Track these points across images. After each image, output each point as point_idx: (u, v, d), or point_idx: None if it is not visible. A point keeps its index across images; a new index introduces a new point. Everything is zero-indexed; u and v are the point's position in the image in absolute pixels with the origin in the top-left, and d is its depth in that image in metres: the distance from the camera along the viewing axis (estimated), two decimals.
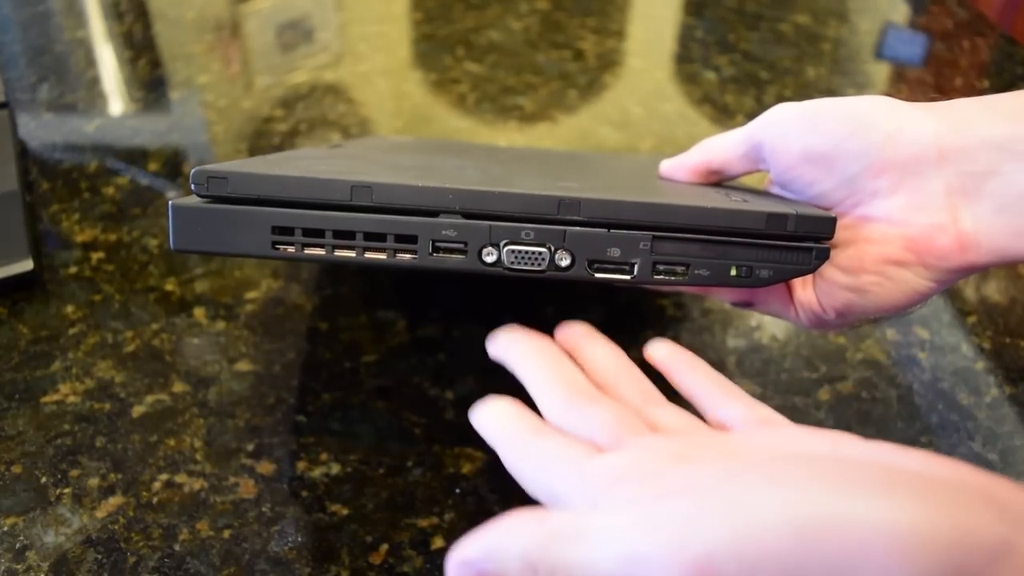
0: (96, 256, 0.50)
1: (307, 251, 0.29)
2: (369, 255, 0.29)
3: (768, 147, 0.33)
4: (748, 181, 0.39)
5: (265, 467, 0.38)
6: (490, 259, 0.29)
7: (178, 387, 0.42)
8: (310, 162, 0.33)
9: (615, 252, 0.30)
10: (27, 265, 0.46)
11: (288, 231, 0.29)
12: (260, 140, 0.61)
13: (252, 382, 0.42)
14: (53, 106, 0.64)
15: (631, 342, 0.46)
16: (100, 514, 0.36)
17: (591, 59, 0.75)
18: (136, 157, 0.58)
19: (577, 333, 0.31)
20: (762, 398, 0.42)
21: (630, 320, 0.47)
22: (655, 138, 0.65)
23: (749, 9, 0.86)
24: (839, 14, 0.86)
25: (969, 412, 0.43)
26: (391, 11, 0.83)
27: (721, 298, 0.39)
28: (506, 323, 0.46)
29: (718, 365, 0.44)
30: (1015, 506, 0.18)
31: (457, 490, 0.38)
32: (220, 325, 0.45)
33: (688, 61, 0.76)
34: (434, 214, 0.29)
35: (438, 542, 0.35)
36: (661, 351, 0.31)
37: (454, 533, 0.36)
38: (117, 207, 0.54)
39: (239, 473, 0.38)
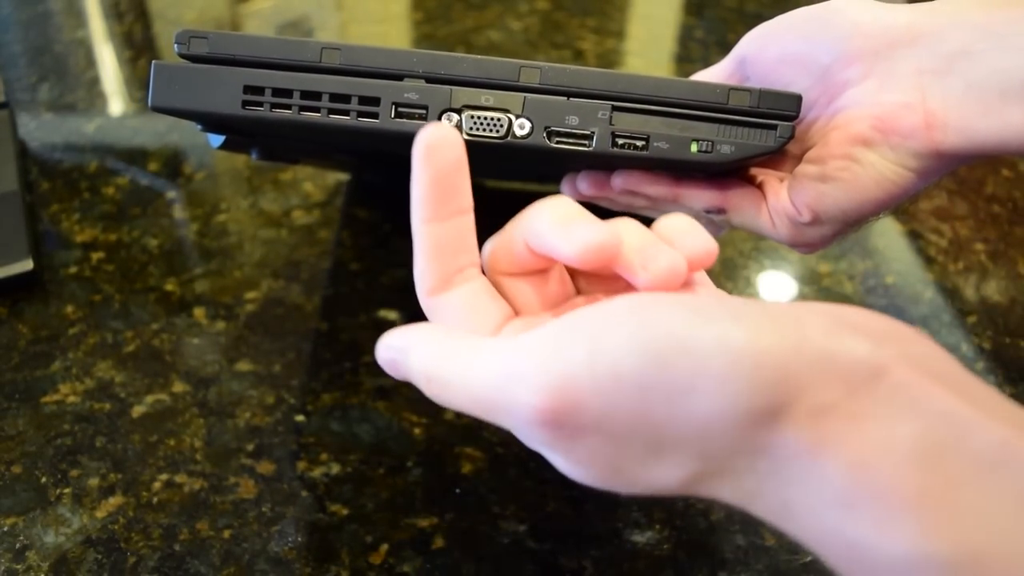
0: (96, 256, 0.50)
1: (275, 111, 0.30)
2: (333, 117, 0.30)
3: (749, 60, 0.33)
4: None
5: (265, 467, 0.38)
6: (450, 124, 0.30)
7: (178, 387, 0.42)
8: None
9: (573, 120, 0.30)
10: (27, 265, 0.46)
11: (258, 91, 0.30)
12: None
13: (252, 382, 0.42)
14: (53, 106, 0.64)
15: None
16: (100, 514, 0.36)
17: (591, 59, 0.75)
18: (136, 157, 0.58)
19: None
20: None
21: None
22: None
23: (749, 9, 0.86)
24: None
25: None
26: (391, 11, 0.83)
27: (692, 204, 0.36)
28: None
29: None
30: (893, 335, 0.19)
31: (457, 490, 0.38)
32: (220, 325, 0.45)
33: (688, 61, 0.76)
34: (399, 78, 0.30)
35: (438, 542, 0.35)
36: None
37: (454, 533, 0.36)
38: (117, 207, 0.54)
39: (239, 473, 0.38)
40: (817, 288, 0.50)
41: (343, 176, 0.56)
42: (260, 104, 0.30)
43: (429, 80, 0.30)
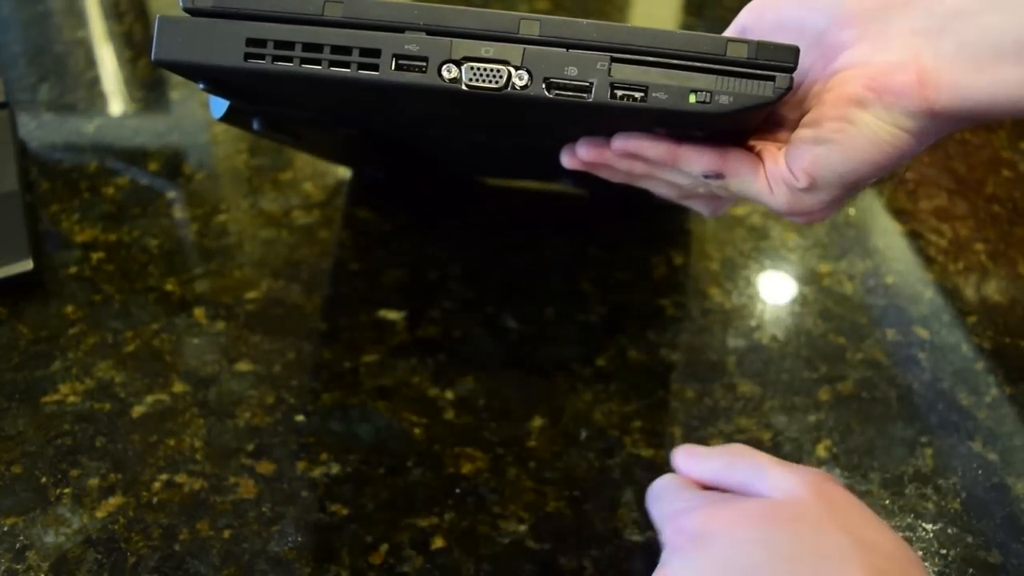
0: (96, 256, 0.50)
1: (277, 64, 0.30)
2: (334, 69, 0.30)
3: (748, 29, 0.34)
4: None
5: (265, 467, 0.38)
6: (449, 75, 0.30)
7: (178, 387, 0.42)
8: None
9: (572, 71, 0.30)
10: (27, 265, 0.46)
11: (261, 43, 0.30)
12: (260, 140, 0.61)
13: (252, 382, 0.42)
14: (53, 106, 0.64)
15: (631, 342, 0.46)
16: (100, 514, 0.36)
17: None
18: (136, 157, 0.58)
19: None
20: (762, 398, 0.43)
21: (630, 320, 0.47)
22: None
23: None
24: None
25: (969, 412, 0.42)
26: None
27: (691, 168, 0.36)
28: (506, 323, 0.46)
29: (718, 365, 0.44)
30: None
31: (457, 490, 0.38)
32: (220, 325, 0.45)
33: None
34: (400, 31, 0.30)
35: (438, 542, 0.35)
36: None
37: (454, 533, 0.36)
38: (117, 207, 0.54)
39: (239, 473, 0.38)
40: (817, 288, 0.50)
41: (343, 176, 0.56)
42: (262, 56, 0.30)
43: (429, 32, 0.30)
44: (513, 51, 0.30)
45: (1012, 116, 0.29)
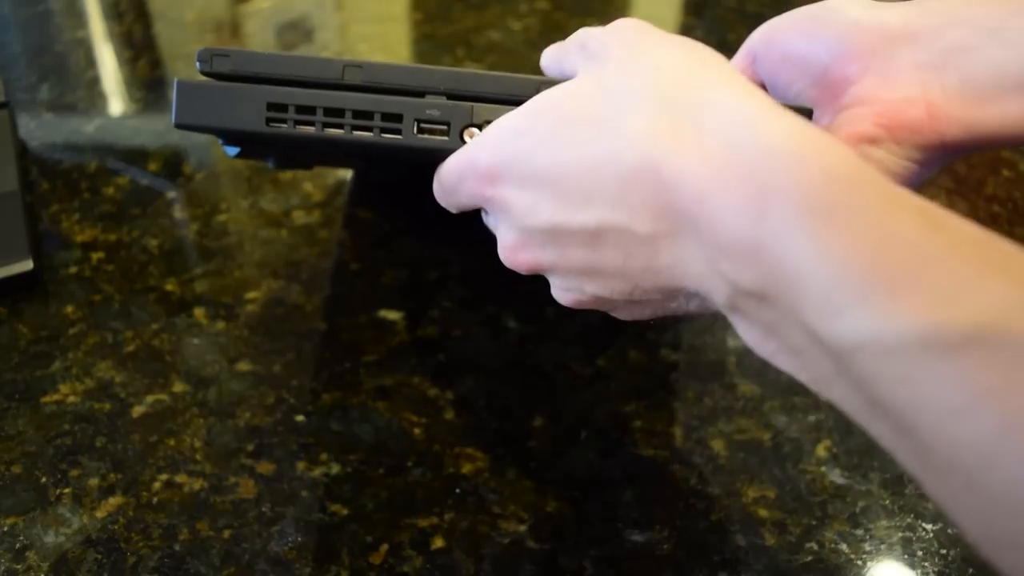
0: (96, 256, 0.50)
1: (299, 128, 0.31)
2: (357, 134, 0.31)
3: (759, 57, 0.34)
4: None
5: (265, 467, 0.38)
6: (471, 139, 0.31)
7: (178, 387, 0.42)
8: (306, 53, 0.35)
9: None
10: (27, 265, 0.46)
11: (282, 108, 0.30)
12: None
13: (252, 382, 0.42)
14: (53, 106, 0.64)
15: (631, 343, 0.46)
16: (100, 514, 0.36)
17: None
18: (136, 157, 0.58)
19: None
20: (762, 398, 0.43)
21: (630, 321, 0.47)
22: None
23: (749, 9, 0.85)
24: None
25: None
26: (391, 11, 0.83)
27: None
28: (506, 323, 0.46)
29: (718, 365, 0.44)
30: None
31: (457, 490, 0.38)
32: (220, 325, 0.45)
33: None
34: (420, 95, 0.31)
35: (438, 542, 0.35)
36: None
37: (454, 533, 0.36)
38: (117, 207, 0.54)
39: (239, 473, 0.38)
40: None
41: (343, 176, 0.56)
42: (284, 121, 0.30)
43: (450, 96, 0.31)
44: None
45: (1021, 144, 0.30)
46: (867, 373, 0.19)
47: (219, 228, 0.52)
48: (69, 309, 0.46)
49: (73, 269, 0.49)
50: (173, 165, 0.58)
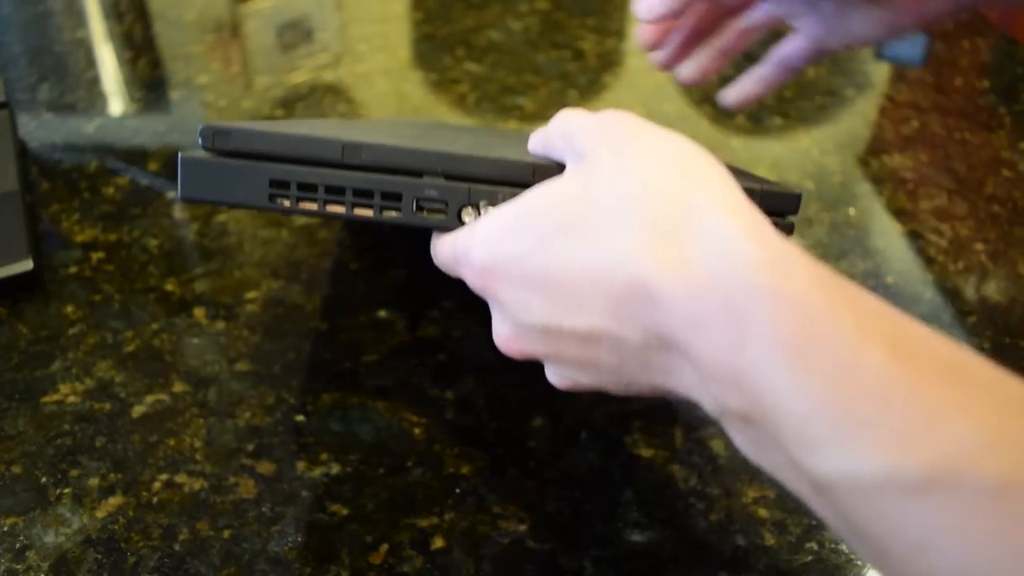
0: (96, 256, 0.50)
1: (301, 204, 0.31)
2: (358, 211, 0.31)
3: None
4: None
5: (265, 467, 0.38)
6: (468, 219, 0.31)
7: (178, 387, 0.42)
8: (309, 125, 0.36)
9: None
10: (27, 265, 0.46)
11: (284, 185, 0.31)
12: None
13: (252, 382, 0.42)
14: (53, 106, 0.64)
15: None
16: (100, 514, 0.36)
17: (591, 59, 0.75)
18: (136, 157, 0.58)
19: None
20: None
21: None
22: None
23: None
24: None
25: None
26: (391, 11, 0.83)
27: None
28: None
29: None
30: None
31: (457, 490, 0.38)
32: (220, 325, 0.45)
33: None
34: (418, 175, 0.31)
35: (438, 542, 0.35)
36: None
37: (454, 533, 0.36)
38: (117, 207, 0.54)
39: (239, 473, 0.38)
40: None
41: None
42: (286, 197, 0.31)
43: (448, 177, 0.31)
44: None
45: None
46: (842, 504, 0.20)
47: (219, 228, 0.52)
48: (69, 309, 0.46)
49: (73, 269, 0.49)
50: (173, 165, 0.58)
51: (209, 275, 0.48)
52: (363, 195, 0.31)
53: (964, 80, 0.74)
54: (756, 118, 0.67)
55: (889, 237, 0.55)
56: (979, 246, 0.54)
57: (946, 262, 0.53)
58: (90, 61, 0.71)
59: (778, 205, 0.31)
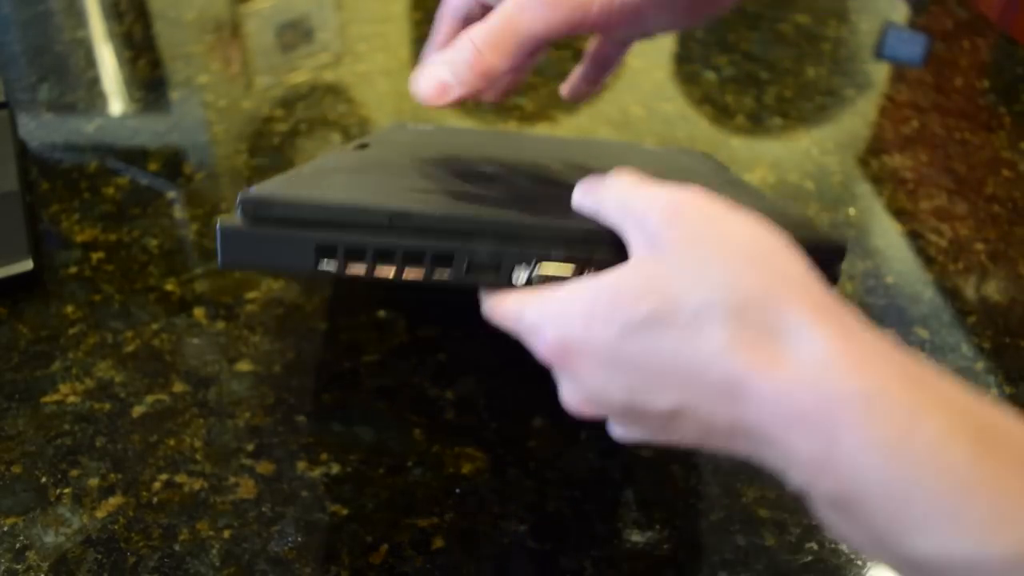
0: (96, 256, 0.50)
1: (348, 269, 0.30)
2: (407, 274, 0.30)
3: None
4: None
5: (265, 467, 0.38)
6: (519, 275, 0.31)
7: (178, 387, 0.42)
8: (347, 178, 0.35)
9: None
10: (27, 265, 0.46)
11: (331, 251, 0.30)
12: (260, 140, 0.61)
13: (252, 382, 0.42)
14: (53, 106, 0.64)
15: None
16: (100, 514, 0.36)
17: None
18: (136, 157, 0.58)
19: None
20: None
21: None
22: (655, 138, 0.65)
23: (749, 9, 0.85)
24: (839, 14, 0.86)
25: None
26: (391, 11, 0.83)
27: None
28: None
29: None
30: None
31: (457, 490, 0.38)
32: (220, 325, 0.45)
33: (688, 61, 0.76)
34: (469, 237, 0.30)
35: (438, 542, 0.35)
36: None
37: (454, 533, 0.36)
38: (117, 207, 0.54)
39: (239, 473, 0.38)
40: None
41: None
42: (332, 262, 0.30)
43: (499, 238, 0.30)
44: (581, 258, 0.31)
45: None
46: None
47: None
48: (69, 309, 0.46)
49: (73, 269, 0.49)
50: (173, 165, 0.58)
51: (209, 275, 0.48)
52: (413, 259, 0.30)
53: (964, 80, 0.74)
54: (756, 118, 0.67)
55: (889, 237, 0.55)
56: (979, 246, 0.54)
57: (946, 262, 0.53)
58: (90, 61, 0.71)
59: (826, 256, 0.31)
